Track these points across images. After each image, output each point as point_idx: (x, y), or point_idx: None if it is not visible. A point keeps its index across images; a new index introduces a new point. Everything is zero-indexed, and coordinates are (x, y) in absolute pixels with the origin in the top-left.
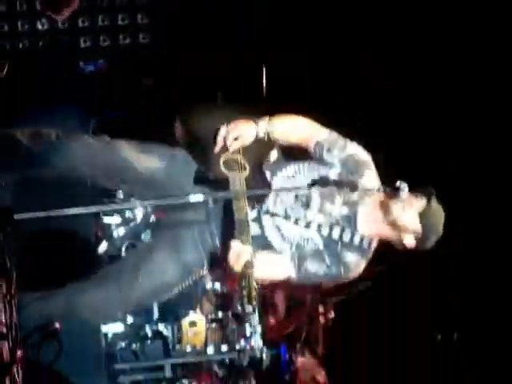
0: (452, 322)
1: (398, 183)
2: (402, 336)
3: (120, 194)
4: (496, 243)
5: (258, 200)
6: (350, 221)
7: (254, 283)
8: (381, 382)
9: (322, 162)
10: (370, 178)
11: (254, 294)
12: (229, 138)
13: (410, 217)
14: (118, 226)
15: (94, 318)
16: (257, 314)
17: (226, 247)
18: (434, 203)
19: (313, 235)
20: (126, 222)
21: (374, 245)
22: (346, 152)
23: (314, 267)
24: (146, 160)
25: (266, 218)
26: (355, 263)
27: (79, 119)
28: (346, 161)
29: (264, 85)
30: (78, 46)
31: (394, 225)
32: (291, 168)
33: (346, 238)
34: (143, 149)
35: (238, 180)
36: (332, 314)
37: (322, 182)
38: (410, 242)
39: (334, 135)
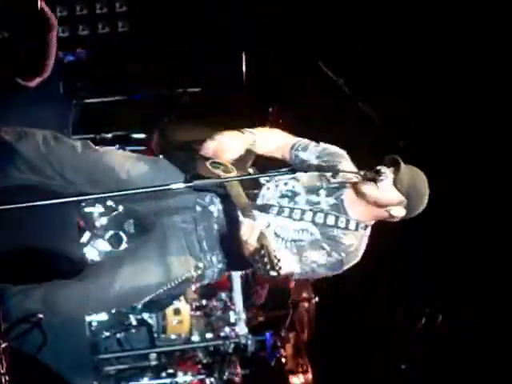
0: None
1: (378, 167)
2: (386, 319)
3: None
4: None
5: (248, 197)
6: (339, 209)
7: (273, 248)
8: (363, 365)
9: (300, 162)
10: (348, 167)
11: (275, 260)
12: (223, 149)
13: (386, 190)
14: (100, 215)
15: (73, 312)
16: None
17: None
18: (404, 169)
19: (307, 226)
20: (108, 211)
21: (370, 228)
22: (320, 147)
23: (315, 256)
24: (130, 168)
25: (258, 216)
26: (355, 246)
27: (60, 108)
28: (322, 154)
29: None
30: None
31: (376, 203)
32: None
33: (342, 224)
34: (127, 157)
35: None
36: (316, 299)
37: (304, 166)
38: (399, 212)
39: (305, 139)
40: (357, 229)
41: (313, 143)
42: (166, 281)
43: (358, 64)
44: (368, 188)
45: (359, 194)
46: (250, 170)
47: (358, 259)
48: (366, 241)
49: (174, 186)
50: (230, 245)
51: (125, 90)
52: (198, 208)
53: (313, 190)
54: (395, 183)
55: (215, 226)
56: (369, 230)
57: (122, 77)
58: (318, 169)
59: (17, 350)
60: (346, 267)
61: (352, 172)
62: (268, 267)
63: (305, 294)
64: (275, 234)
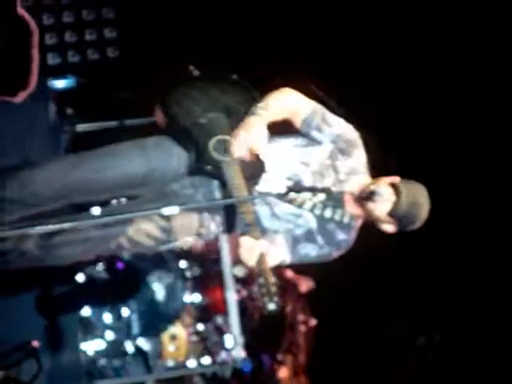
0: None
1: (373, 187)
2: (383, 342)
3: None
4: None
5: (251, 180)
6: (338, 201)
7: (272, 278)
8: None
9: (312, 139)
10: (358, 158)
11: (273, 289)
12: (256, 146)
13: (380, 210)
14: None
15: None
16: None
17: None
18: (404, 199)
19: (305, 213)
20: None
21: (359, 224)
22: (335, 131)
23: (307, 249)
24: (121, 163)
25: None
26: (346, 242)
27: (52, 135)
28: (338, 139)
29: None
30: (45, 62)
31: (368, 215)
32: (280, 144)
33: (337, 217)
34: (113, 152)
35: (232, 167)
36: (313, 322)
37: (297, 188)
38: (387, 229)
39: (319, 109)
40: (350, 222)
41: (328, 121)
42: (166, 241)
43: (350, 87)
44: (363, 202)
45: (355, 201)
46: None
47: (343, 253)
48: (355, 233)
49: (165, 212)
50: (229, 211)
51: (116, 117)
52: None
53: (319, 178)
54: (391, 211)
55: (216, 193)
56: (360, 222)
57: (113, 103)
58: (312, 191)
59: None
60: (333, 258)
61: (347, 192)
62: (266, 299)
63: (301, 317)
64: (273, 214)
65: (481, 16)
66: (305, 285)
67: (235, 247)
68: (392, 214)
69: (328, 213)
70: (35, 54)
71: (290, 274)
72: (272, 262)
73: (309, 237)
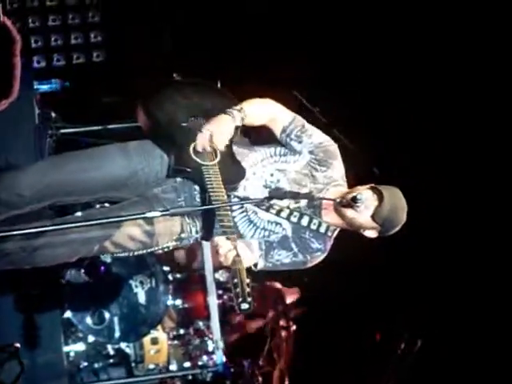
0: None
1: (354, 194)
2: (363, 347)
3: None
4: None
5: (230, 184)
6: (315, 210)
7: (246, 279)
8: None
9: (291, 149)
10: (337, 169)
11: (247, 289)
12: (216, 138)
13: (362, 217)
14: None
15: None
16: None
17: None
18: (386, 204)
19: (282, 221)
20: None
21: (335, 234)
22: (314, 142)
23: (281, 255)
24: (104, 164)
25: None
26: (321, 251)
27: (36, 138)
28: (317, 150)
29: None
30: (31, 65)
31: (350, 224)
32: (259, 153)
33: (314, 226)
34: (96, 154)
35: (211, 170)
36: (294, 327)
37: (279, 194)
38: (370, 234)
39: (299, 120)
40: (326, 232)
41: (307, 132)
42: (149, 246)
43: (331, 93)
44: (344, 210)
45: (336, 210)
46: (234, 147)
47: (317, 262)
48: (331, 242)
49: (149, 215)
50: (207, 215)
51: (100, 121)
52: (179, 179)
53: (296, 187)
54: (374, 215)
55: (197, 198)
56: (336, 232)
57: (98, 107)
58: (294, 196)
59: None
60: (308, 266)
61: (329, 199)
62: (239, 300)
63: (282, 323)
64: (249, 220)
65: (475, 16)
66: (291, 297)
67: (215, 251)
68: (374, 219)
69: (305, 221)
70: (17, 62)
71: (278, 286)
72: (245, 263)
73: (283, 244)
